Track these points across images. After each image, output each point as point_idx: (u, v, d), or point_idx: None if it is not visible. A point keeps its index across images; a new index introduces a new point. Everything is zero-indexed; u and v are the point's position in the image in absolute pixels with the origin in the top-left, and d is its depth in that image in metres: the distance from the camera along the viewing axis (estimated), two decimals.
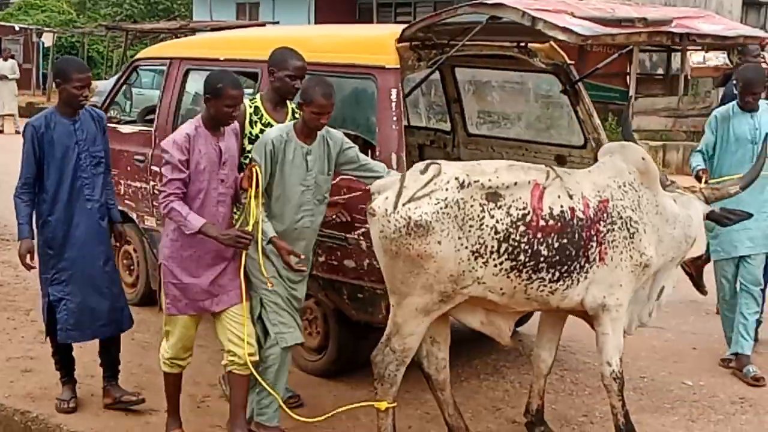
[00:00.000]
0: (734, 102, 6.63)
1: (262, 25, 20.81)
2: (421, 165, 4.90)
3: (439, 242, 4.63)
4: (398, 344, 4.83)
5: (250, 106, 5.32)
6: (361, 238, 5.53)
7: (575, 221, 4.81)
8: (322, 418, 5.08)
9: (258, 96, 5.43)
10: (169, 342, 5.10)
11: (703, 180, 6.04)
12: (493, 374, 6.38)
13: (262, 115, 5.33)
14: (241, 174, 5.04)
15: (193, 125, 4.96)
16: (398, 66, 5.66)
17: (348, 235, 5.56)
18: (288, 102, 5.41)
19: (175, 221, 4.87)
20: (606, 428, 5.39)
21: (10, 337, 6.89)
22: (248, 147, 5.20)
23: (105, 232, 5.56)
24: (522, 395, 5.79)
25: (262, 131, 5.19)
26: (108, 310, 5.50)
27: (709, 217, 5.29)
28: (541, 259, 4.74)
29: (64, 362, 5.67)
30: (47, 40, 30.08)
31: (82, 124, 5.43)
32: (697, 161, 6.51)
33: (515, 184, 4.78)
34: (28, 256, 5.35)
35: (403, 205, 4.68)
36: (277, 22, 23.44)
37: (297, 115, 5.23)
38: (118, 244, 5.93)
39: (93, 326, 5.47)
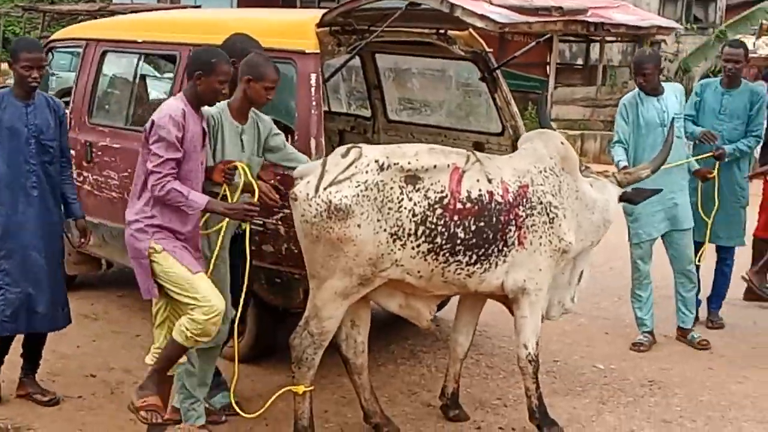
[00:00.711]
0: (637, 89, 6.82)
1: (183, 8, 20.54)
2: (342, 149, 4.93)
3: (359, 225, 4.66)
4: (316, 328, 4.84)
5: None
6: (280, 223, 5.52)
7: (493, 205, 4.88)
8: (260, 412, 4.94)
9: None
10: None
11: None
12: (409, 359, 6.44)
13: None
14: (215, 165, 4.78)
15: (181, 102, 4.65)
16: (318, 51, 5.65)
17: (266, 221, 5.55)
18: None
19: (175, 202, 4.54)
20: (519, 411, 5.48)
21: None
22: None
23: (52, 224, 5.30)
24: (438, 379, 5.85)
25: None
26: (46, 304, 5.25)
27: (621, 198, 5.41)
28: (458, 241, 4.79)
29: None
30: None
31: (35, 109, 5.21)
32: (620, 155, 6.64)
33: (435, 167, 4.83)
34: None
35: (324, 189, 4.69)
36: (199, 7, 23.16)
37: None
38: (83, 240, 5.57)
39: (30, 320, 5.23)
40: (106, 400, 5.47)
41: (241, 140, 4.90)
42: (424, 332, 6.78)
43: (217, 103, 4.83)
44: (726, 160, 6.83)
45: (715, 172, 6.76)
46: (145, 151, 4.65)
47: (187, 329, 4.52)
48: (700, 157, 6.84)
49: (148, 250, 4.58)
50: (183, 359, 4.81)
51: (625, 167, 6.24)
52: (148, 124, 4.64)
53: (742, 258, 7.67)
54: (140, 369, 5.27)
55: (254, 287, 5.82)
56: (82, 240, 5.56)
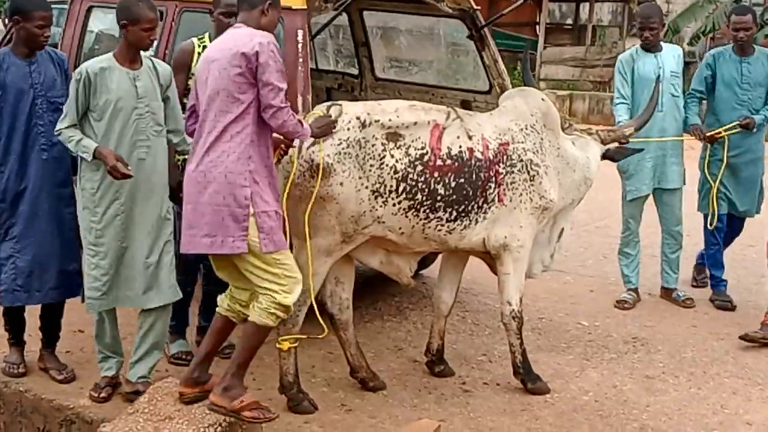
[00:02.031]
0: (636, 45, 6.82)
1: None
2: (323, 106, 4.94)
3: (341, 183, 4.68)
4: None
5: (199, 45, 5.17)
6: None
7: (473, 161, 4.91)
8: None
9: (206, 35, 5.28)
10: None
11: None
12: (395, 315, 6.48)
13: None
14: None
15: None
16: (305, 7, 5.61)
17: None
18: None
19: (290, 130, 4.28)
20: (504, 366, 5.54)
21: None
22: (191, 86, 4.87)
23: (64, 187, 5.03)
24: (423, 335, 5.90)
25: None
26: (58, 272, 5.01)
27: (604, 156, 5.44)
28: (438, 198, 4.84)
29: (14, 323, 5.23)
30: None
31: (39, 65, 4.97)
32: (621, 114, 6.64)
33: (415, 123, 4.85)
34: None
35: (307, 148, 4.69)
36: None
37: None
38: None
39: (43, 289, 5.00)
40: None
41: (135, 87, 4.76)
42: (411, 290, 6.81)
43: (102, 56, 4.87)
44: (754, 130, 6.66)
45: (724, 133, 6.60)
46: (236, 88, 4.20)
47: (277, 307, 4.30)
48: (727, 127, 6.60)
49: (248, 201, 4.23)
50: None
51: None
52: (248, 47, 4.19)
53: None
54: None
55: None
56: None
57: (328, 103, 4.96)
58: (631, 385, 5.52)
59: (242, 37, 4.27)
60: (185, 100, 4.89)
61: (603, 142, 5.47)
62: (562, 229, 5.51)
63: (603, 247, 8.16)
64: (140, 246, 4.77)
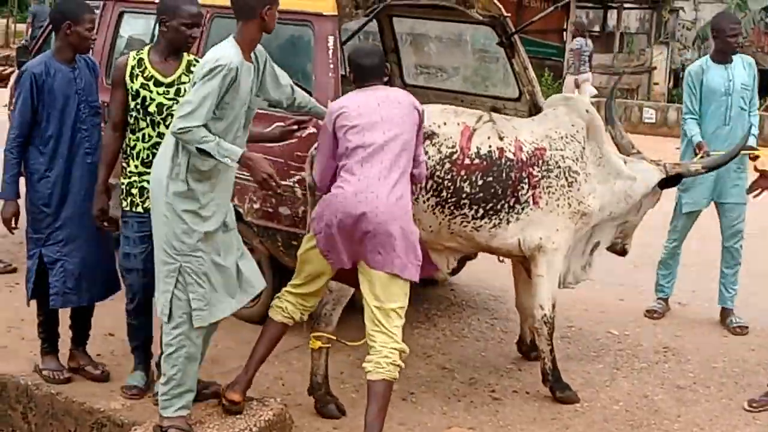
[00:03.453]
0: (707, 56, 6.69)
1: None
2: None
3: None
4: (335, 284, 4.90)
5: (134, 59, 4.80)
6: (296, 185, 5.54)
7: (503, 161, 5.02)
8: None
9: (146, 48, 4.88)
10: None
11: (699, 156, 6.12)
12: (424, 322, 6.47)
13: (145, 67, 4.77)
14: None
15: None
16: (336, 13, 5.65)
17: (282, 182, 5.55)
18: (185, 54, 4.86)
19: (420, 181, 4.80)
20: (534, 375, 5.51)
21: None
22: (131, 104, 4.75)
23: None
24: (452, 342, 5.89)
25: (143, 86, 4.73)
26: (104, 272, 5.11)
27: (660, 185, 5.48)
28: (464, 195, 4.94)
29: (51, 330, 5.24)
30: None
31: (80, 71, 5.02)
32: (692, 129, 6.51)
33: (445, 124, 4.98)
34: (14, 219, 4.99)
35: None
36: None
37: (192, 69, 4.74)
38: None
39: (91, 289, 5.06)
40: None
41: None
42: (439, 297, 6.82)
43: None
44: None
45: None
46: (411, 128, 4.54)
47: (400, 353, 4.47)
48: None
49: None
50: (187, 347, 4.50)
51: (699, 144, 6.28)
52: (419, 105, 4.61)
53: None
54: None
55: (271, 249, 5.87)
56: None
57: None
58: (662, 395, 5.48)
59: (409, 95, 4.69)
60: (127, 118, 4.78)
61: (667, 174, 5.49)
62: (598, 243, 5.52)
63: (632, 255, 8.02)
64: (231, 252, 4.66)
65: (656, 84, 21.03)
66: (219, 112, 4.31)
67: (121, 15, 6.97)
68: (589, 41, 16.33)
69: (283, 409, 4.79)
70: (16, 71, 7.29)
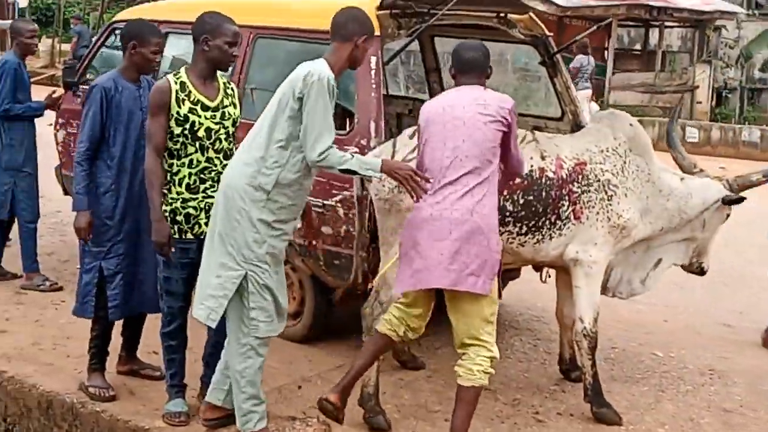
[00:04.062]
0: None
1: None
2: (409, 131, 5.21)
3: None
4: (385, 296, 4.97)
5: (176, 82, 4.71)
6: (339, 204, 5.55)
7: (543, 180, 5.10)
8: None
9: (182, 70, 4.80)
10: None
11: None
12: None
13: (190, 91, 4.73)
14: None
15: None
16: (378, 33, 5.65)
17: (325, 202, 5.58)
18: (219, 76, 4.88)
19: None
20: (577, 396, 5.46)
21: None
22: (176, 129, 4.68)
23: None
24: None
25: (191, 110, 4.69)
26: (153, 285, 5.12)
27: (724, 201, 5.44)
28: (507, 214, 5.02)
29: (103, 345, 5.28)
30: (22, 1, 29.72)
31: (144, 91, 5.15)
32: None
33: None
34: (87, 229, 5.05)
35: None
36: None
37: (229, 91, 4.87)
38: None
39: (139, 300, 5.20)
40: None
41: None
42: None
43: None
44: None
45: None
46: (493, 137, 4.46)
47: (492, 362, 4.53)
48: None
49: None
50: (253, 359, 4.54)
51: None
52: (506, 107, 4.49)
53: None
54: (201, 347, 5.31)
55: (313, 268, 5.88)
56: None
57: (415, 128, 5.15)
58: (708, 419, 5.40)
59: (497, 96, 4.52)
60: (170, 144, 4.70)
61: (731, 189, 5.47)
62: (660, 260, 5.57)
63: (676, 276, 7.99)
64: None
65: (699, 103, 20.88)
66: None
67: (165, 36, 7.01)
68: (591, 59, 16.24)
69: (326, 429, 4.80)
70: (63, 92, 7.41)
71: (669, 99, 20.02)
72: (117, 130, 5.07)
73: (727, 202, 5.46)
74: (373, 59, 5.62)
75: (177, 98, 4.69)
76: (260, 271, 4.47)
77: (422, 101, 7.72)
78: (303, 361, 5.85)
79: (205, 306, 4.52)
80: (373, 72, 5.60)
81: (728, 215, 5.60)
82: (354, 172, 4.44)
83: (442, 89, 7.67)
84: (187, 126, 4.70)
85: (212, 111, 4.76)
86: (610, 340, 6.52)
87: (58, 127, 7.75)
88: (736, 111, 21.95)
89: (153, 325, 5.44)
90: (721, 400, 5.67)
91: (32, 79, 7.44)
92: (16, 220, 7.20)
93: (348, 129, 5.70)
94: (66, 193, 7.93)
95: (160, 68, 7.08)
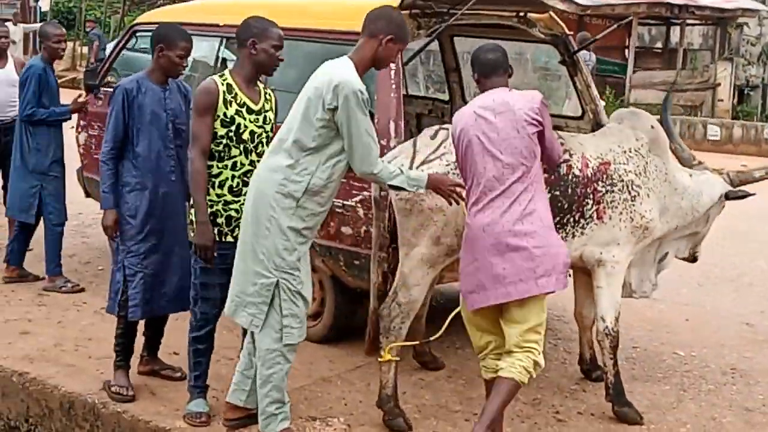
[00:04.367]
0: None
1: None
2: (430, 131, 5.19)
3: None
4: (404, 297, 4.99)
5: (222, 84, 4.72)
6: (359, 205, 5.56)
7: (570, 177, 5.08)
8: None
9: (227, 72, 4.82)
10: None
11: None
12: None
13: (236, 93, 4.75)
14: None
15: None
16: None
17: (345, 202, 5.59)
18: (259, 84, 4.89)
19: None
20: (598, 396, 5.44)
21: (8, 299, 6.91)
22: (221, 131, 4.70)
23: (184, 207, 5.25)
24: None
25: (237, 113, 4.72)
26: (176, 288, 5.23)
27: (727, 197, 5.41)
28: None
29: (127, 344, 5.32)
30: (44, 4, 29.95)
31: (171, 93, 5.24)
32: None
33: None
34: (113, 227, 5.14)
35: (417, 167, 4.94)
36: None
37: (268, 96, 4.90)
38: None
39: (161, 301, 5.24)
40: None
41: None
42: None
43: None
44: None
45: None
46: (529, 141, 4.48)
47: (536, 367, 4.51)
48: None
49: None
50: (281, 365, 4.58)
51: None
52: (535, 105, 4.49)
53: None
54: (222, 348, 5.34)
55: (333, 268, 5.89)
56: None
57: (436, 127, 5.18)
58: (731, 418, 5.37)
59: (524, 96, 4.53)
60: (213, 146, 4.71)
61: (732, 183, 5.45)
62: (667, 254, 5.58)
63: (698, 275, 7.98)
64: None
65: (720, 100, 20.76)
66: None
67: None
68: (593, 55, 16.13)
69: (346, 429, 4.81)
70: (86, 96, 7.45)
71: (691, 97, 19.94)
72: (140, 131, 5.12)
73: (731, 197, 5.42)
74: None
75: (224, 99, 4.69)
76: (292, 278, 4.48)
77: (442, 101, 7.80)
78: (323, 361, 5.86)
79: (247, 313, 4.53)
80: (392, 72, 5.59)
81: (723, 206, 5.56)
82: (402, 189, 4.49)
83: (462, 89, 7.68)
84: (233, 128, 4.71)
85: (256, 114, 4.78)
86: (631, 339, 6.50)
87: (79, 130, 7.81)
88: (758, 108, 21.82)
89: (173, 326, 5.50)
90: (743, 399, 5.64)
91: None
92: (42, 222, 7.24)
93: None
94: (88, 195, 7.99)
95: None
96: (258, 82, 4.86)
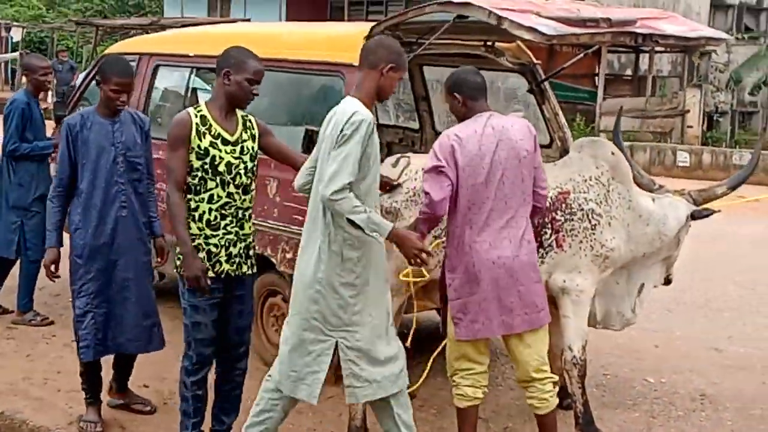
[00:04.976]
0: None
1: (234, 21, 20.75)
2: (392, 159, 5.27)
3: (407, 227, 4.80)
4: None
5: (196, 116, 4.59)
6: None
7: None
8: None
9: (203, 104, 4.71)
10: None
11: None
12: None
13: (210, 125, 4.61)
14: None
15: None
16: None
17: None
18: (238, 111, 4.72)
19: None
20: (568, 425, 5.42)
21: None
22: (196, 164, 4.55)
23: (141, 243, 5.16)
24: (490, 390, 5.83)
25: (212, 144, 4.57)
26: (134, 325, 5.10)
27: (693, 216, 5.40)
28: None
29: (92, 381, 5.23)
30: (16, 34, 29.87)
31: (121, 125, 5.07)
32: None
33: None
34: (53, 266, 5.07)
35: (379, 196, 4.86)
36: (249, 19, 23.38)
37: (248, 124, 4.73)
38: (160, 260, 5.37)
39: (116, 340, 5.09)
40: (159, 411, 5.51)
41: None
42: None
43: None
44: None
45: None
46: (528, 168, 4.59)
47: (552, 385, 4.74)
48: None
49: None
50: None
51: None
52: (532, 132, 4.60)
53: None
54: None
55: None
56: (159, 259, 5.36)
57: (397, 156, 5.19)
58: None
59: (519, 122, 4.63)
60: (189, 179, 4.57)
61: (695, 203, 5.44)
62: (643, 285, 5.52)
63: (667, 300, 8.03)
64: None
65: (690, 127, 20.96)
66: (362, 170, 4.19)
67: (156, 68, 7.08)
68: None
69: None
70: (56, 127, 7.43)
71: (660, 123, 20.08)
72: (85, 167, 5.01)
73: (696, 217, 5.42)
74: None
75: (198, 131, 4.56)
76: (349, 335, 4.33)
77: (412, 130, 7.82)
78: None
79: (306, 385, 4.37)
80: None
81: (690, 226, 5.52)
82: (360, 228, 4.21)
83: (432, 118, 7.72)
84: (208, 160, 4.56)
85: (232, 145, 4.62)
86: (602, 366, 6.53)
87: (50, 160, 7.78)
88: (728, 134, 22.05)
89: (143, 358, 5.45)
90: (712, 425, 5.67)
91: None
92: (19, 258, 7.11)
93: None
94: None
95: (151, 99, 7.18)
96: (236, 111, 4.70)
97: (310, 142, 6.67)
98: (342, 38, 6.15)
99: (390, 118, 9.48)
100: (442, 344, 4.86)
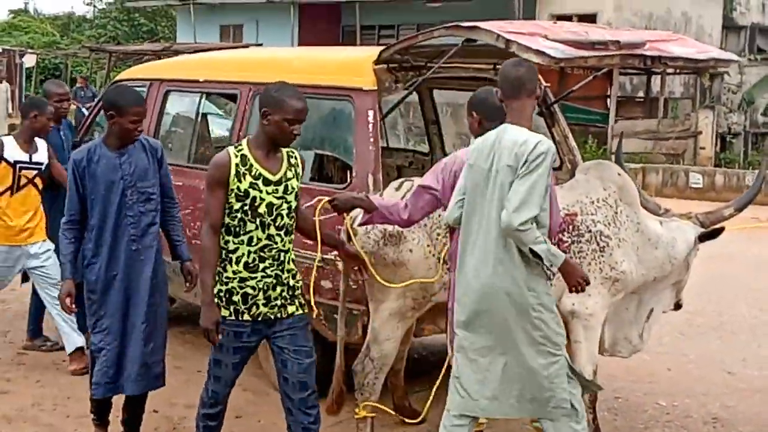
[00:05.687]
0: None
1: (246, 47, 20.87)
2: (395, 183, 5.26)
3: (411, 250, 4.98)
4: (376, 352, 5.04)
5: (236, 155, 4.43)
6: (338, 258, 5.55)
7: None
8: None
9: (244, 142, 4.53)
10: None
11: None
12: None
13: (251, 165, 4.44)
14: None
15: None
16: (375, 88, 5.72)
17: (325, 257, 5.58)
18: (282, 149, 4.53)
19: None
20: None
21: None
22: (236, 205, 4.40)
23: (155, 278, 4.96)
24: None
25: (252, 185, 4.40)
26: (140, 365, 4.92)
27: (701, 239, 5.38)
28: None
29: (102, 411, 5.15)
30: (29, 61, 30.08)
31: (130, 156, 4.89)
32: None
33: None
34: (68, 299, 4.91)
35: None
36: (261, 44, 23.53)
37: (293, 161, 4.54)
38: (189, 284, 5.16)
39: (128, 382, 4.92)
40: None
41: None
42: None
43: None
44: None
45: None
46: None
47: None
48: None
49: None
50: None
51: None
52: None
53: None
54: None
55: (312, 322, 5.86)
56: (188, 284, 5.16)
57: (401, 180, 5.19)
58: None
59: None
60: (228, 220, 4.42)
61: (703, 225, 5.42)
62: (652, 310, 5.49)
63: (679, 323, 7.98)
64: None
65: (702, 148, 20.93)
66: (545, 202, 4.18)
67: (167, 94, 7.11)
68: None
69: None
70: None
71: (673, 145, 20.08)
72: (95, 201, 4.86)
73: (704, 239, 5.38)
74: (371, 113, 5.66)
75: (237, 172, 4.39)
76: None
77: (422, 153, 7.84)
78: None
79: (555, 403, 4.32)
80: (370, 126, 5.64)
81: (698, 249, 5.50)
82: (540, 258, 4.15)
83: (442, 141, 7.73)
84: (248, 201, 4.39)
85: (274, 185, 4.44)
86: (614, 390, 6.47)
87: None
88: (741, 156, 22.00)
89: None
90: None
91: None
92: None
93: (347, 182, 5.73)
94: None
95: (162, 125, 7.21)
96: (279, 149, 4.52)
97: (320, 166, 6.74)
98: (351, 63, 6.17)
99: (400, 141, 9.51)
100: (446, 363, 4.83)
